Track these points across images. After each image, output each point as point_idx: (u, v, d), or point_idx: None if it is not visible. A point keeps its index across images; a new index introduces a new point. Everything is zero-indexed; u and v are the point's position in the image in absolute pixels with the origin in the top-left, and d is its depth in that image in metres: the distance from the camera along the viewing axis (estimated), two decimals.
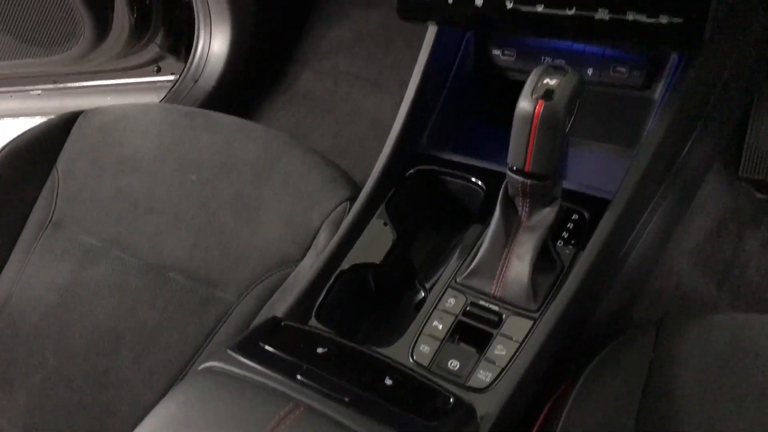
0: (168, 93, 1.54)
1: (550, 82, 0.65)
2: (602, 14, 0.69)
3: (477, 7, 0.74)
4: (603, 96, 0.86)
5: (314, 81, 1.57)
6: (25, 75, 1.73)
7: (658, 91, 0.81)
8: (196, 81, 1.52)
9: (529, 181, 0.68)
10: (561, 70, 0.66)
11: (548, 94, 0.64)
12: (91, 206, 0.99)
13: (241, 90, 1.57)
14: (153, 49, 1.68)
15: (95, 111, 1.07)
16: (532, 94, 0.64)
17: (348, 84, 1.53)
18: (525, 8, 0.72)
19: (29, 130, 1.05)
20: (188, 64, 1.54)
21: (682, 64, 0.76)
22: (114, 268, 0.93)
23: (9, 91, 1.83)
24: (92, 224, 0.98)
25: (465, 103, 0.94)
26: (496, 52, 0.89)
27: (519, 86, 0.65)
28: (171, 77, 1.72)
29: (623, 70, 0.83)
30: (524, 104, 0.64)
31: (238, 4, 1.48)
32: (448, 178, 0.86)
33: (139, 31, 1.59)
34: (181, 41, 1.68)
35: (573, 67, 0.83)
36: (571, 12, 0.70)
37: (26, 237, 0.99)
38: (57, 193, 1.01)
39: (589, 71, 0.84)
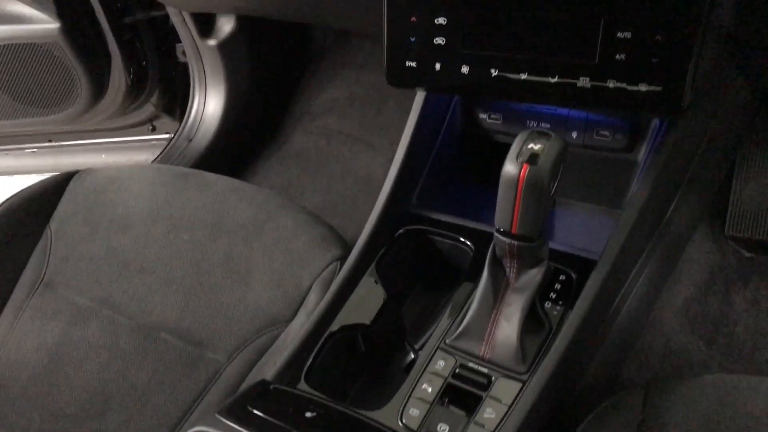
0: (162, 151, 1.56)
1: (535, 146, 0.67)
2: (584, 82, 0.71)
3: (463, 75, 0.76)
4: (588, 158, 0.88)
5: (307, 140, 1.60)
6: (21, 133, 1.75)
7: (641, 154, 0.83)
8: (191, 140, 1.54)
9: (516, 243, 0.69)
10: (545, 135, 0.67)
11: (533, 159, 0.66)
12: (83, 266, 0.99)
13: (235, 149, 1.59)
14: (148, 109, 1.71)
15: (89, 171, 1.08)
16: (517, 158, 0.66)
17: (340, 143, 1.55)
18: (510, 76, 0.74)
19: (23, 189, 1.06)
20: (183, 123, 1.57)
21: (664, 128, 0.78)
22: (104, 328, 0.93)
23: (4, 149, 1.85)
24: (83, 284, 0.98)
25: (453, 164, 0.96)
26: (483, 115, 0.92)
27: (506, 148, 0.66)
28: (166, 136, 1.75)
29: (607, 133, 0.85)
30: (510, 168, 0.66)
31: (233, 65, 1.51)
32: (437, 238, 0.87)
33: (135, 91, 1.62)
34: (176, 101, 1.71)
35: (557, 130, 0.85)
36: (554, 80, 0.72)
37: (17, 297, 0.99)
38: (49, 253, 1.02)
39: (574, 134, 0.86)
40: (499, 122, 0.91)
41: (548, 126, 0.88)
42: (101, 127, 1.74)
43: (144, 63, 1.60)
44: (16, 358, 0.94)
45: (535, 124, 0.89)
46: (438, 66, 0.77)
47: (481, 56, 0.74)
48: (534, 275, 0.72)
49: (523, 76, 0.73)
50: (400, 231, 0.86)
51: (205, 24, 1.45)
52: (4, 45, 1.45)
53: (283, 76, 1.67)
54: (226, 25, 1.47)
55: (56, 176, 1.08)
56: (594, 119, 0.86)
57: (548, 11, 0.70)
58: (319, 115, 1.62)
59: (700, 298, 1.06)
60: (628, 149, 0.85)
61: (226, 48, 1.48)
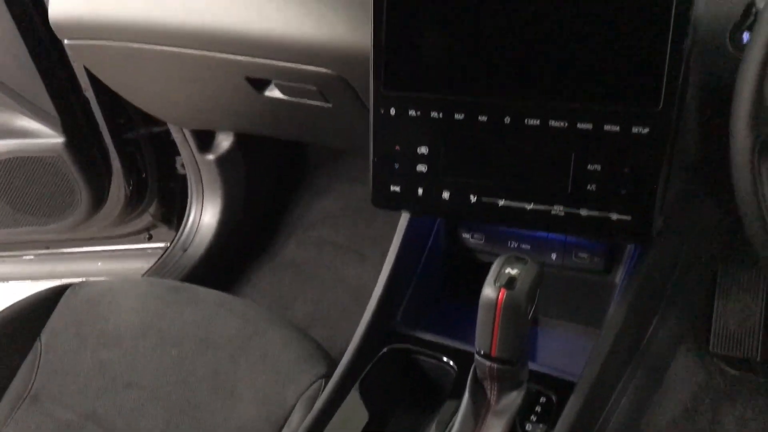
0: (158, 261, 1.59)
1: (512, 271, 0.69)
2: (558, 210, 0.74)
3: (444, 200, 0.80)
4: (568, 279, 0.90)
5: (299, 250, 1.63)
6: (19, 241, 1.78)
7: (619, 276, 0.86)
8: (185, 250, 1.58)
9: (495, 365, 0.70)
10: (522, 260, 0.70)
11: (510, 283, 0.68)
12: (71, 380, 0.99)
13: (229, 259, 1.62)
14: (146, 218, 1.75)
15: (83, 284, 1.10)
16: (495, 283, 0.68)
17: (331, 254, 1.59)
18: (488, 202, 0.77)
19: (17, 302, 1.08)
20: (179, 233, 1.60)
21: (639, 252, 0.81)
22: None
23: (2, 256, 1.88)
24: (70, 398, 0.98)
25: (439, 282, 0.98)
26: (466, 235, 0.95)
27: (489, 267, 0.69)
28: (161, 245, 1.78)
29: (585, 255, 0.88)
30: (488, 292, 0.68)
31: (230, 178, 1.57)
32: (421, 357, 0.88)
33: (134, 202, 1.67)
34: (173, 211, 1.76)
35: (537, 252, 0.88)
36: (529, 207, 0.76)
37: (2, 410, 0.99)
38: (38, 366, 1.02)
39: (553, 256, 0.89)
40: (481, 242, 0.94)
41: (528, 247, 0.91)
42: (99, 235, 1.77)
43: (144, 175, 1.65)
44: None
45: (516, 245, 0.92)
46: (420, 191, 0.80)
47: (460, 183, 0.78)
48: (514, 398, 0.73)
49: (501, 203, 0.77)
50: (384, 350, 0.88)
51: (204, 140, 1.51)
52: (11, 158, 1.50)
53: (279, 188, 1.73)
54: (224, 141, 1.53)
55: (50, 288, 1.10)
56: (572, 242, 0.89)
57: (523, 144, 0.74)
58: (312, 226, 1.66)
59: (686, 417, 1.06)
60: (606, 271, 0.87)
61: (223, 162, 1.54)
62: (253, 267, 1.63)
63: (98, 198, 1.60)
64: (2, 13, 1.31)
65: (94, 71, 1.28)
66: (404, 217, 0.92)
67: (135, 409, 0.94)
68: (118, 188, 1.61)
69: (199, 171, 1.56)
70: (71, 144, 1.48)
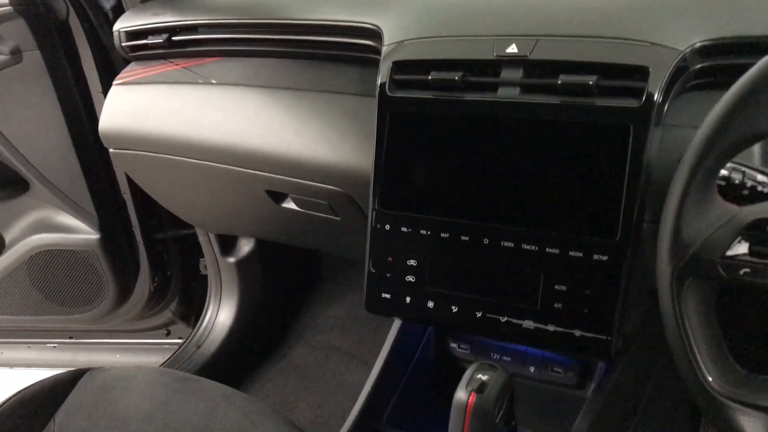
0: (172, 355, 1.67)
1: (483, 377, 0.77)
2: (528, 324, 0.82)
3: (429, 309, 0.88)
4: (544, 391, 0.97)
5: (307, 354, 1.70)
6: (44, 329, 1.88)
7: (589, 391, 0.92)
8: (199, 347, 1.66)
9: None
10: (493, 368, 0.78)
11: (481, 388, 0.76)
12: None
13: (239, 357, 1.69)
14: (166, 315, 1.85)
15: (100, 370, 1.19)
16: (467, 387, 0.76)
17: (337, 359, 1.65)
18: (467, 312, 0.86)
19: (37, 382, 1.16)
20: (194, 330, 1.69)
21: (606, 369, 0.88)
22: None
23: (27, 342, 1.97)
24: None
25: (425, 387, 1.05)
26: (454, 344, 1.03)
27: None
28: (178, 341, 1.87)
29: (560, 370, 0.95)
30: (459, 395, 0.76)
31: (248, 281, 1.67)
32: None
33: (157, 298, 1.77)
34: (192, 309, 1.85)
35: (518, 364, 0.96)
36: (503, 320, 0.84)
37: None
38: None
39: (532, 369, 0.96)
40: (467, 352, 1.02)
41: (509, 359, 0.98)
42: (120, 328, 1.86)
43: (168, 273, 1.76)
44: None
45: (498, 357, 1.00)
46: (408, 299, 0.89)
47: (443, 294, 0.87)
48: None
49: (478, 315, 0.85)
50: None
51: (226, 244, 1.63)
52: (44, 252, 1.63)
53: (293, 293, 1.82)
54: (245, 246, 1.64)
55: (69, 371, 1.18)
56: (549, 357, 0.96)
57: (499, 263, 0.83)
58: (321, 331, 1.74)
59: None
60: (578, 386, 0.94)
61: (243, 265, 1.65)
62: (261, 367, 1.70)
63: (124, 292, 1.70)
64: (60, 124, 1.47)
65: (133, 177, 1.42)
66: (395, 324, 1.01)
67: None
68: (143, 284, 1.72)
69: (220, 272, 1.67)
70: (105, 240, 1.60)
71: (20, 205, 1.62)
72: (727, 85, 0.68)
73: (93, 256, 1.62)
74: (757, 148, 0.71)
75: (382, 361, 0.98)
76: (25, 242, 1.63)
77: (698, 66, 0.78)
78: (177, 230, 1.71)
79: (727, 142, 0.57)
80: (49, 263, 1.65)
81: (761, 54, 0.64)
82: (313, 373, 1.64)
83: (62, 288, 1.69)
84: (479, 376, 0.78)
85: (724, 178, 0.64)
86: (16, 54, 1.38)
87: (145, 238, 1.67)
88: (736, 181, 0.63)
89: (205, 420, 1.05)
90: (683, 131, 0.78)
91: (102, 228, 1.59)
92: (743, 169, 0.64)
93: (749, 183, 0.63)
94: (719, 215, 0.58)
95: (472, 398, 0.76)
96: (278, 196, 1.17)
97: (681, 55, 0.76)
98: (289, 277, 1.79)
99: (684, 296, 0.59)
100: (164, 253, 1.74)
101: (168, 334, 1.90)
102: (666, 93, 0.76)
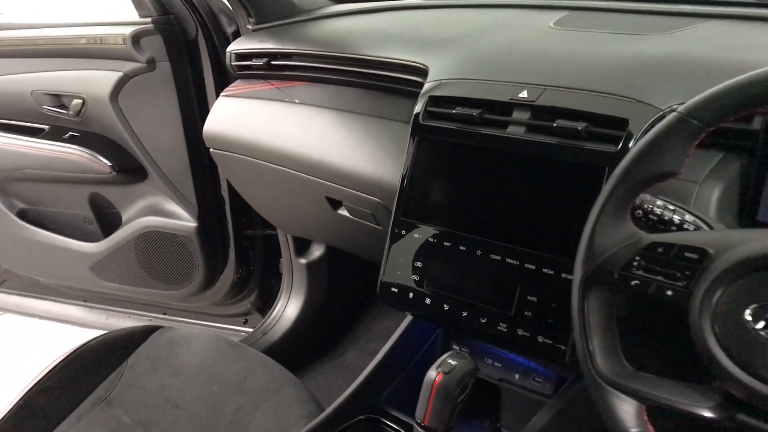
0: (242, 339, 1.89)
1: (452, 362, 0.91)
2: (502, 327, 0.96)
3: (426, 305, 1.03)
4: (525, 398, 1.08)
5: (358, 357, 1.87)
6: (143, 301, 2.16)
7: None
8: (265, 334, 1.87)
9: None
10: (462, 356, 0.92)
11: (448, 370, 0.90)
12: (137, 394, 1.28)
13: (296, 351, 1.89)
14: (246, 305, 2.08)
15: (168, 328, 1.42)
16: (437, 368, 0.91)
17: None
18: (455, 311, 1.00)
19: (120, 330, 1.41)
20: (264, 319, 1.91)
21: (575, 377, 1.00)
22: None
23: (128, 313, 2.27)
24: (133, 408, 1.26)
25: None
26: (456, 346, 1.17)
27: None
28: (252, 329, 2.09)
29: (540, 380, 1.07)
30: (430, 373, 0.91)
31: (315, 282, 1.87)
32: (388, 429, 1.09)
33: (238, 288, 2.01)
34: (269, 303, 2.07)
35: (506, 370, 1.09)
36: (483, 321, 0.98)
37: (84, 406, 1.29)
38: (119, 380, 1.32)
39: (516, 376, 1.09)
40: (466, 353, 1.15)
41: (500, 365, 1.11)
42: (205, 311, 2.12)
43: (251, 268, 2.00)
44: None
45: (491, 362, 1.13)
46: (411, 295, 1.05)
47: (439, 294, 1.02)
48: None
49: (464, 314, 1.00)
50: (361, 417, 1.09)
51: (301, 246, 1.84)
52: (151, 232, 1.90)
53: (354, 300, 2.00)
54: (317, 251, 1.85)
55: (146, 326, 1.42)
56: (533, 367, 1.08)
57: (487, 272, 0.98)
58: (374, 339, 1.91)
59: None
60: (553, 395, 1.05)
61: (312, 267, 1.85)
62: (316, 362, 1.89)
63: (211, 278, 1.95)
64: (178, 126, 1.75)
65: (227, 175, 1.66)
66: (406, 320, 1.16)
67: (173, 424, 1.20)
68: (228, 274, 1.96)
69: (292, 271, 1.88)
70: (201, 229, 1.86)
71: (138, 190, 1.91)
72: (708, 145, 0.81)
73: (189, 241, 1.88)
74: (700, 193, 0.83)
75: (388, 347, 1.13)
76: (137, 222, 1.92)
77: None
78: (263, 230, 1.94)
79: (637, 177, 0.70)
80: (153, 243, 1.93)
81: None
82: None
83: (161, 266, 1.96)
84: (450, 360, 0.92)
85: (642, 209, 0.76)
86: (151, 63, 1.68)
87: (236, 233, 1.91)
88: (651, 213, 0.75)
89: (243, 378, 1.24)
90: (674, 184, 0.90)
91: (199, 218, 1.85)
92: (665, 204, 0.75)
93: (661, 216, 0.74)
94: (627, 236, 0.70)
95: (439, 377, 0.90)
96: (335, 203, 1.37)
97: (660, 113, 0.89)
98: (352, 286, 1.98)
99: (588, 297, 0.71)
100: (250, 250, 1.97)
101: (245, 323, 2.13)
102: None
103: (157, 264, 1.96)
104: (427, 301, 1.03)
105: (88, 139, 1.86)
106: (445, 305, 1.02)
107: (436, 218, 1.03)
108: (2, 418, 1.25)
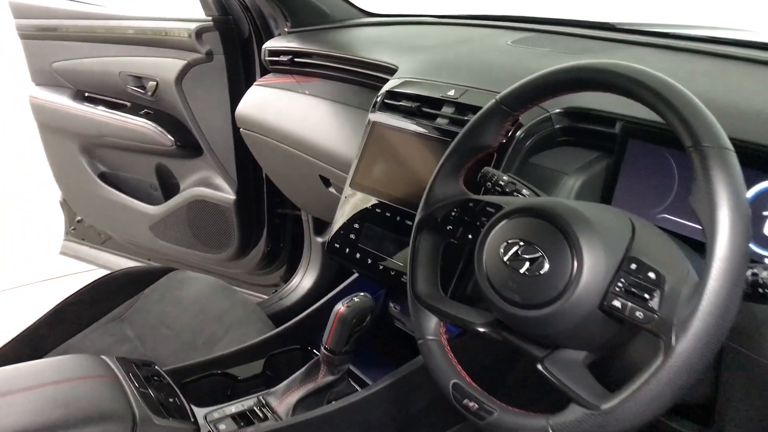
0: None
1: (356, 299, 1.13)
2: (390, 263, 1.16)
3: (356, 258, 1.25)
4: None
5: None
6: (191, 263, 2.47)
7: None
8: (279, 300, 2.12)
9: (326, 353, 1.13)
10: (365, 297, 1.14)
11: (349, 304, 1.12)
12: (143, 317, 1.56)
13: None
14: (276, 277, 2.35)
15: (181, 271, 1.70)
16: (342, 303, 1.12)
17: None
18: (373, 263, 1.21)
19: (144, 266, 1.70)
20: (282, 288, 2.16)
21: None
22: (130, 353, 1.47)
23: None
24: (138, 325, 1.54)
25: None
26: (391, 304, 1.37)
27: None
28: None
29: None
30: (336, 306, 1.12)
31: (328, 261, 2.10)
32: None
33: (268, 260, 2.27)
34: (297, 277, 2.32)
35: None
36: (392, 273, 1.18)
37: (101, 322, 1.58)
38: (134, 305, 1.61)
39: None
40: (398, 311, 1.35)
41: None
42: (241, 278, 2.40)
43: (281, 244, 2.27)
44: None
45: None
46: (347, 250, 1.27)
47: (369, 252, 1.23)
48: (331, 379, 1.13)
49: (392, 273, 1.19)
50: (296, 346, 1.32)
51: (319, 225, 2.08)
52: (200, 200, 2.21)
53: None
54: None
55: (164, 266, 1.71)
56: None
57: (398, 233, 1.18)
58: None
59: None
60: None
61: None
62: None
63: (245, 247, 2.23)
64: (227, 111, 2.04)
65: (253, 153, 1.94)
66: (353, 276, 1.38)
67: (163, 340, 1.47)
68: (260, 246, 2.23)
69: (311, 249, 2.13)
70: (239, 203, 2.14)
71: (194, 164, 2.22)
72: (582, 145, 1.00)
73: (229, 212, 2.17)
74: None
75: (330, 295, 1.35)
76: (190, 191, 2.23)
77: (560, 126, 1.08)
78: (293, 210, 2.20)
79: (465, 148, 0.89)
80: (200, 210, 2.23)
81: (600, 122, 0.96)
82: None
83: (204, 231, 2.26)
84: (354, 298, 1.13)
85: (492, 180, 0.93)
86: (210, 55, 1.98)
87: (269, 210, 2.18)
88: (497, 184, 0.92)
89: (223, 311, 1.50)
90: (549, 172, 1.08)
91: (238, 193, 2.13)
92: (510, 178, 0.93)
93: (504, 187, 0.92)
94: (455, 193, 0.90)
95: (341, 309, 1.12)
96: (326, 182, 1.60)
97: (546, 114, 1.07)
98: None
99: (419, 236, 0.91)
100: (281, 227, 2.24)
101: (275, 293, 2.39)
102: (528, 134, 1.07)
103: (202, 229, 2.26)
104: (358, 255, 1.25)
105: (158, 116, 2.19)
106: (369, 259, 1.23)
107: (374, 190, 1.25)
108: (41, 318, 1.56)
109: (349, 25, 1.77)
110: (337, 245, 1.29)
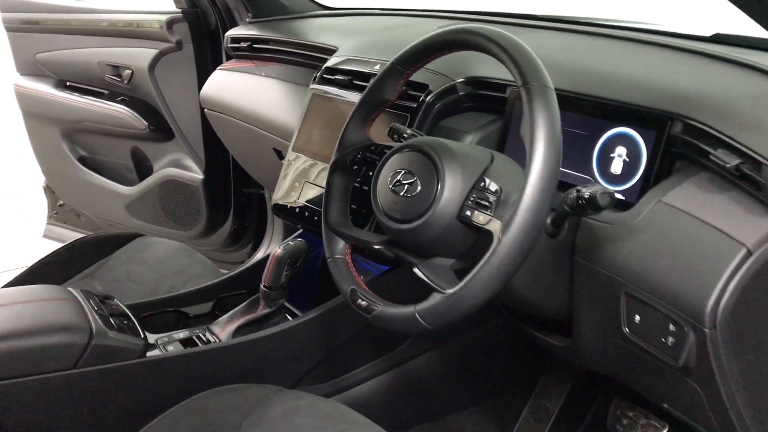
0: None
1: (291, 243, 1.31)
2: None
3: (300, 215, 1.42)
4: None
5: None
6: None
7: None
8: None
9: (263, 288, 1.30)
10: (300, 241, 1.31)
11: (284, 247, 1.29)
12: (111, 274, 1.72)
13: None
14: (243, 255, 2.51)
15: (149, 236, 1.86)
16: (280, 245, 1.30)
17: None
18: (311, 217, 1.39)
19: (116, 233, 1.87)
20: (245, 263, 2.33)
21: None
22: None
23: None
24: (105, 282, 1.70)
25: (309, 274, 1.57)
26: None
27: None
28: None
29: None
30: (276, 249, 1.30)
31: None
32: None
33: (234, 238, 2.44)
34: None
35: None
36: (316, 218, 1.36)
37: (73, 280, 1.74)
38: (104, 264, 1.77)
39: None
40: None
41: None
42: (210, 255, 2.56)
43: (246, 224, 2.44)
44: None
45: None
46: (289, 207, 1.44)
47: (308, 208, 1.40)
48: (267, 311, 1.31)
49: (315, 218, 1.37)
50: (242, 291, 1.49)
51: None
52: (170, 180, 2.38)
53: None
54: None
55: (134, 233, 1.88)
56: (375, 271, 1.44)
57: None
58: None
59: None
60: None
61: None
62: None
63: (212, 225, 2.39)
64: (195, 96, 2.21)
65: (217, 133, 2.11)
66: (297, 231, 1.56)
67: (127, 293, 1.64)
68: (226, 225, 2.41)
69: (273, 225, 2.31)
70: (206, 183, 2.31)
71: (166, 147, 2.39)
72: (483, 110, 1.17)
73: (197, 191, 2.34)
74: None
75: (278, 246, 1.53)
76: (162, 172, 2.40)
77: (464, 93, 1.26)
78: (258, 189, 2.37)
79: (369, 101, 1.07)
80: (171, 190, 2.40)
81: (495, 89, 1.14)
82: None
83: (175, 209, 2.43)
84: (290, 242, 1.31)
85: (398, 133, 1.11)
86: (179, 44, 2.16)
87: (236, 190, 2.36)
88: (401, 136, 1.10)
89: (183, 267, 1.68)
90: (456, 133, 1.26)
91: (206, 172, 2.31)
92: (413, 132, 1.11)
93: (407, 138, 1.10)
94: (362, 140, 1.08)
95: (278, 251, 1.29)
96: (279, 154, 1.78)
97: (452, 83, 1.25)
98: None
99: (333, 176, 1.09)
100: (247, 207, 2.41)
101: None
102: (436, 99, 1.25)
103: (173, 207, 2.43)
104: (298, 211, 1.42)
105: (133, 102, 2.36)
106: (306, 213, 1.40)
107: (312, 152, 1.43)
108: (15, 277, 1.73)
109: (304, 16, 1.96)
110: (281, 204, 1.47)
